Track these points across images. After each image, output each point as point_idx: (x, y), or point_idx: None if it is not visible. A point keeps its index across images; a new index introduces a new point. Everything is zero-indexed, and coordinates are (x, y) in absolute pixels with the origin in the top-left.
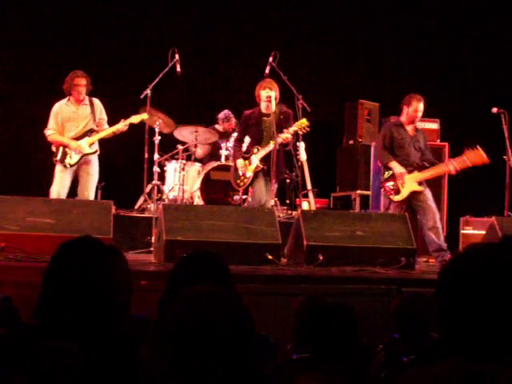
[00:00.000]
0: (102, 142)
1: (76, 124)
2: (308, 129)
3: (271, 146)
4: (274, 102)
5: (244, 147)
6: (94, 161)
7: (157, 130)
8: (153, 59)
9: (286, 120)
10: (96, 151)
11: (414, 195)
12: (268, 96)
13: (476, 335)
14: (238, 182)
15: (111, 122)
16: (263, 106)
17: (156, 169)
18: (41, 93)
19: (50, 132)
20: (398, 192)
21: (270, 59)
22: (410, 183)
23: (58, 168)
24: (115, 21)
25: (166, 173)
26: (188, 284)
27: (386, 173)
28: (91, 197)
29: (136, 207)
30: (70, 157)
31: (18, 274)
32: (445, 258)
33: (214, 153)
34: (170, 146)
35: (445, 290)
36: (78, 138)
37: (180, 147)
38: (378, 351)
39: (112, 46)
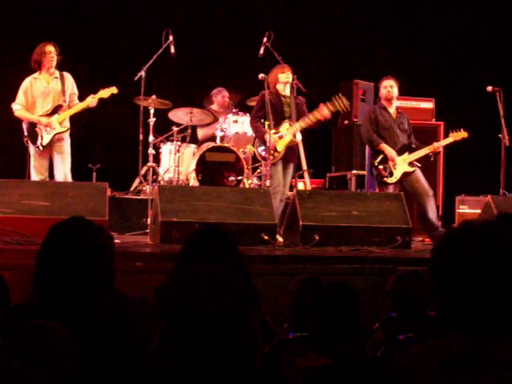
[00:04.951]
0: (95, 125)
1: (48, 100)
2: (347, 108)
3: (308, 120)
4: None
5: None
6: (67, 139)
7: (152, 111)
8: (147, 41)
9: (302, 105)
10: (67, 129)
11: (405, 176)
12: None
13: (474, 311)
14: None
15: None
16: (282, 88)
17: (151, 151)
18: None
19: (18, 107)
20: (391, 174)
21: (265, 39)
22: (402, 165)
23: (33, 152)
24: (109, 2)
25: (161, 154)
26: (195, 260)
27: (378, 158)
28: (69, 176)
29: (131, 189)
30: (42, 137)
31: (14, 257)
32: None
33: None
34: (164, 127)
35: (441, 265)
36: (47, 116)
37: (175, 128)
38: (375, 330)
39: (105, 27)
